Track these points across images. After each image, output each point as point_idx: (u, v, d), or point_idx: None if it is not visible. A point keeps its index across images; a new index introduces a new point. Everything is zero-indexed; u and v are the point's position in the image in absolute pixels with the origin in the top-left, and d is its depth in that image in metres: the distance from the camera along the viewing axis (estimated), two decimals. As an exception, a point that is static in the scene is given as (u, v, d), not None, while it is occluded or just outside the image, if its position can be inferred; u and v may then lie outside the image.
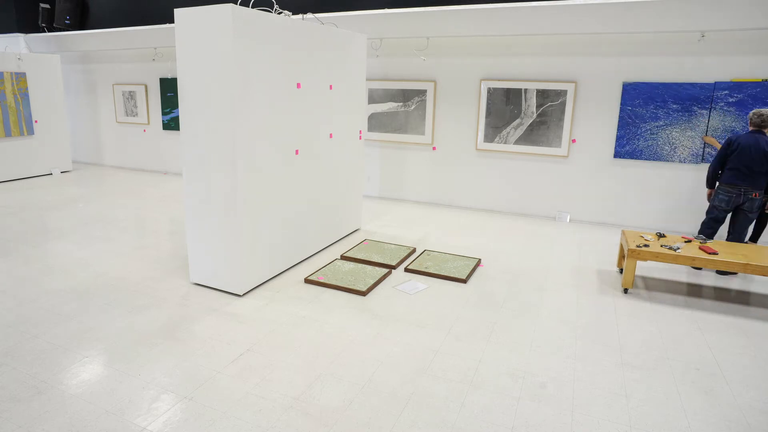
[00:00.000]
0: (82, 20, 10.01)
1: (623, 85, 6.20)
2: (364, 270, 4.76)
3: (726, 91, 5.76)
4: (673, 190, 6.21)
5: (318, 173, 5.09)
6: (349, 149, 5.72)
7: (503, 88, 6.81)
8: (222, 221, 4.09)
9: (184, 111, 4.05)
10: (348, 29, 6.20)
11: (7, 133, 8.58)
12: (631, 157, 6.30)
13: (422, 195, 7.70)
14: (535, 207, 7.02)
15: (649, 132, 6.17)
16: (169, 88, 9.41)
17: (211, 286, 4.34)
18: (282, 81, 4.33)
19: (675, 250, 4.26)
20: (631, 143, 6.28)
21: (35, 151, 9.09)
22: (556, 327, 3.78)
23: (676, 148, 6.08)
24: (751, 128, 4.80)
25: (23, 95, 8.76)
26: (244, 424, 2.63)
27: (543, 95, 6.61)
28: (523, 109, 6.75)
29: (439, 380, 3.06)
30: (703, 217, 5.96)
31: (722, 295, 4.43)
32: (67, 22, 9.69)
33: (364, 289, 4.31)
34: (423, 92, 7.31)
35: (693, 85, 5.88)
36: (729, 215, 5.09)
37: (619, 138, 6.33)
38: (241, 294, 4.20)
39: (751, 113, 4.79)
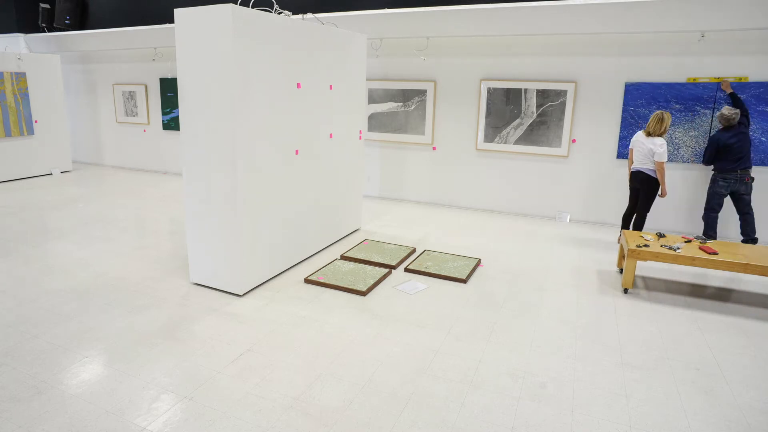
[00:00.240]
0: (82, 20, 10.01)
1: (625, 86, 6.19)
2: (364, 270, 4.76)
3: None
4: (675, 190, 6.21)
5: (318, 173, 5.09)
6: (349, 149, 5.72)
7: (503, 88, 6.81)
8: (222, 221, 4.09)
9: (184, 111, 4.05)
10: (348, 29, 6.19)
11: (7, 133, 8.58)
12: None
13: (422, 195, 7.70)
14: (535, 207, 7.02)
15: (650, 132, 6.17)
16: (169, 88, 9.42)
17: (211, 286, 4.34)
18: (282, 81, 4.33)
19: (675, 250, 4.26)
20: (633, 144, 6.28)
21: (35, 151, 9.09)
22: (556, 327, 3.78)
23: (679, 148, 6.08)
24: (723, 127, 5.43)
25: (23, 95, 8.76)
26: (244, 424, 2.63)
27: (543, 95, 6.61)
28: (523, 109, 6.75)
29: (439, 380, 3.06)
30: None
31: (722, 295, 4.43)
32: (67, 22, 9.70)
33: (364, 289, 4.31)
34: (423, 92, 7.31)
35: (695, 85, 5.88)
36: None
37: (622, 138, 6.32)
38: (241, 294, 4.20)
39: (717, 116, 5.45)
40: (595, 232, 6.32)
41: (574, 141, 6.61)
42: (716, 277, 4.84)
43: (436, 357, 3.32)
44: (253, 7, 4.04)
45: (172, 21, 8.75)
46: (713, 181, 5.50)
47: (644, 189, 5.34)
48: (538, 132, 6.73)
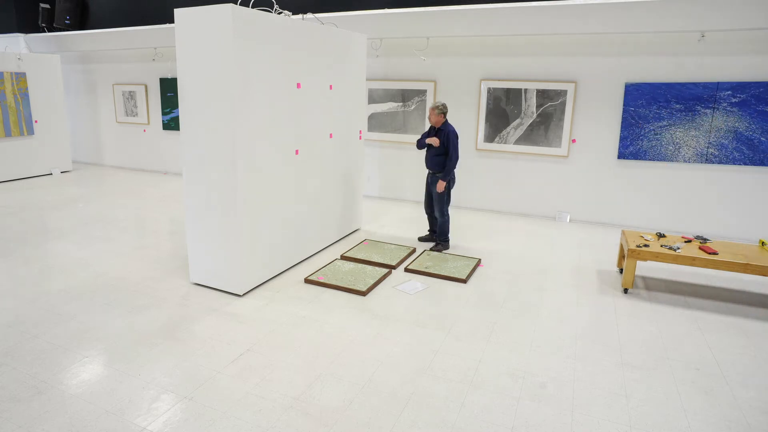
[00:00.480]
0: (82, 20, 10.01)
1: (626, 86, 6.19)
2: (364, 270, 4.76)
3: (729, 92, 5.76)
4: (676, 190, 6.21)
5: (318, 173, 5.09)
6: (349, 149, 5.72)
7: (503, 88, 6.81)
8: (222, 221, 4.09)
9: (184, 111, 4.05)
10: (348, 29, 6.19)
11: (7, 133, 8.58)
12: (636, 158, 6.29)
13: (422, 195, 7.69)
14: (535, 207, 7.02)
15: (652, 132, 6.16)
16: (169, 88, 9.41)
17: (211, 286, 4.34)
18: (282, 81, 4.33)
19: (675, 250, 4.26)
20: (635, 144, 6.27)
21: (35, 151, 9.09)
22: (556, 327, 3.78)
23: (680, 148, 6.08)
24: None
25: (23, 95, 8.76)
26: (244, 424, 2.63)
27: (543, 95, 6.61)
28: (523, 109, 6.75)
29: (439, 380, 3.06)
30: (703, 216, 5.97)
31: (722, 295, 4.42)
32: (67, 22, 9.69)
33: (364, 289, 4.31)
34: (423, 92, 7.31)
35: (696, 84, 5.88)
36: None
37: (622, 139, 6.32)
38: (241, 294, 4.20)
39: None
40: (595, 232, 6.32)
41: (574, 141, 6.61)
42: (716, 277, 4.83)
43: (436, 357, 3.32)
44: (253, 7, 4.03)
45: (172, 21, 8.74)
46: None
47: None
48: (538, 132, 6.73)
